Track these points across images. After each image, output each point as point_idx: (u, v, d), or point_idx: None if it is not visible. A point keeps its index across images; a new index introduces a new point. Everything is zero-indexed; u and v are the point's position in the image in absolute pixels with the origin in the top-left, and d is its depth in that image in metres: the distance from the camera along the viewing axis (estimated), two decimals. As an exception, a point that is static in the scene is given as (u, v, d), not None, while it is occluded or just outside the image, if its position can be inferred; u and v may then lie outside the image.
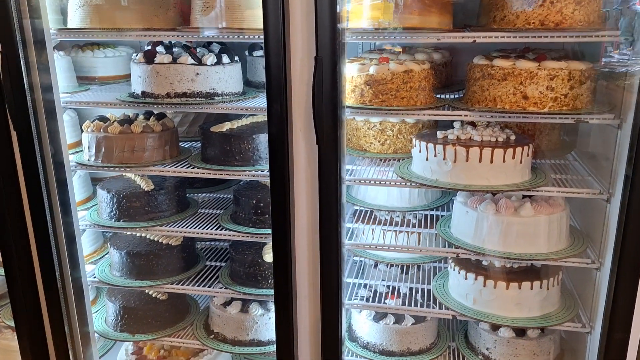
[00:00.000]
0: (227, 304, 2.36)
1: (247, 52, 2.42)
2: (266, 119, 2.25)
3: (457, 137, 1.87)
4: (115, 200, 2.20)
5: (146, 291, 2.40)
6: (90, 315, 2.34)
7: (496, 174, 1.79)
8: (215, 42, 2.33)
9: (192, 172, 2.10)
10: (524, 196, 1.96)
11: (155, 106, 2.06)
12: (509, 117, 1.76)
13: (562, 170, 2.02)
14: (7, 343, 2.56)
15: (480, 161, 1.77)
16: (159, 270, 2.30)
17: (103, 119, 2.19)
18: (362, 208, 2.38)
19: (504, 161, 1.77)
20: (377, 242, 2.16)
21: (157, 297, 2.38)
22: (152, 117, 2.23)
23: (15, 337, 2.33)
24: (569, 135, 2.26)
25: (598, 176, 1.90)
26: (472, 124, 1.95)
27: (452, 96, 2.09)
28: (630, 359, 1.78)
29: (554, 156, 2.14)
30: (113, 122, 2.15)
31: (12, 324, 2.32)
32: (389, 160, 2.15)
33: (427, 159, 1.88)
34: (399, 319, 2.23)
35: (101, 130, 2.12)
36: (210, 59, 2.00)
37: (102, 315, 2.49)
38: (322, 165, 1.77)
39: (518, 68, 1.70)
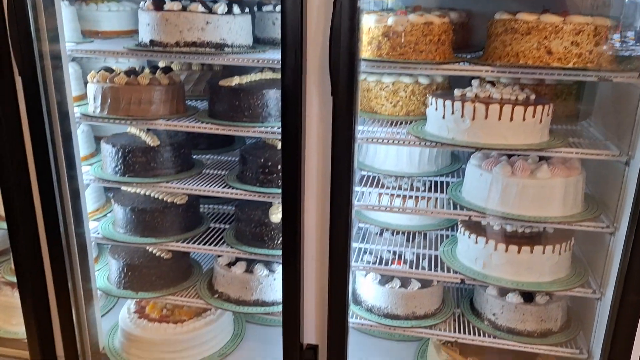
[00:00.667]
0: (231, 264, 2.33)
1: (256, 8, 2.35)
2: (275, 76, 2.24)
3: (476, 94, 1.82)
4: (120, 154, 2.15)
5: (150, 249, 2.37)
6: (94, 272, 2.31)
7: (515, 133, 1.75)
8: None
9: (199, 127, 2.05)
10: (540, 159, 1.92)
11: (164, 55, 2.00)
12: (531, 72, 1.70)
13: (578, 134, 1.98)
14: (6, 300, 2.53)
15: (499, 119, 1.72)
16: (163, 228, 2.26)
17: (109, 69, 2.13)
18: (369, 174, 2.33)
19: (523, 119, 1.72)
20: (386, 203, 2.11)
21: (161, 255, 2.35)
22: (158, 70, 2.17)
23: (15, 294, 2.31)
24: (585, 102, 2.22)
25: (616, 140, 1.86)
26: (491, 83, 1.89)
27: (469, 56, 2.03)
28: (643, 322, 1.77)
29: (570, 122, 2.10)
30: (119, 73, 2.09)
31: (12, 279, 2.29)
32: (401, 122, 2.10)
33: (443, 117, 1.83)
34: (404, 283, 2.21)
35: (107, 80, 2.06)
36: (221, 8, 1.93)
37: (104, 273, 2.46)
38: (336, 119, 1.72)
39: (543, 22, 1.64)
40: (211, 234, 2.35)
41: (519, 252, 1.93)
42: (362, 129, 2.04)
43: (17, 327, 2.42)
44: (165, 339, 2.31)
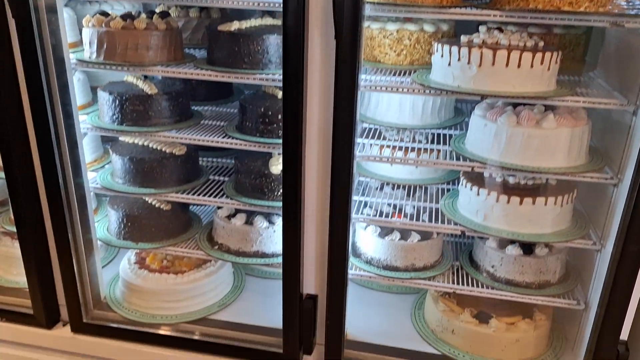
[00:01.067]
0: (231, 216, 2.32)
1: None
2: (275, 22, 2.18)
3: (483, 40, 1.77)
4: (117, 102, 2.11)
5: (149, 201, 2.36)
6: (93, 222, 2.31)
7: (522, 81, 1.71)
8: None
9: (197, 74, 2.00)
10: (546, 109, 1.89)
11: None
12: (542, 17, 1.65)
13: (585, 85, 1.94)
14: (6, 250, 2.54)
15: (507, 65, 1.68)
16: (162, 179, 2.24)
17: (104, 13, 2.07)
18: (370, 126, 2.30)
19: (531, 66, 1.68)
20: (389, 155, 2.09)
21: (160, 207, 2.34)
22: (155, 15, 2.11)
23: (15, 244, 2.31)
24: (593, 53, 2.17)
25: (624, 91, 1.82)
26: (499, 29, 1.84)
27: (478, 1, 1.97)
28: (642, 273, 1.78)
29: (577, 73, 2.06)
30: (115, 17, 2.03)
31: (12, 229, 2.28)
32: (405, 72, 2.05)
33: (449, 64, 1.79)
34: (404, 235, 2.21)
35: (103, 25, 2.00)
36: (220, -52, 1.86)
37: (104, 225, 2.45)
38: (339, 63, 1.67)
39: (555, -37, 1.58)
40: (210, 186, 2.33)
41: (520, 203, 1.92)
42: (365, 78, 2.00)
43: (18, 277, 2.43)
44: (165, 288, 2.32)
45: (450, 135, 2.21)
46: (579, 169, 1.83)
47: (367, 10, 1.73)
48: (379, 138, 2.25)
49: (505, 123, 1.82)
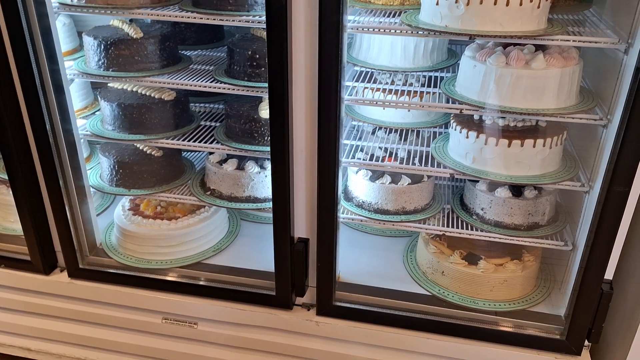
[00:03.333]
0: (223, 161, 2.33)
1: None
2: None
3: (471, -22, 1.71)
4: (102, 47, 2.08)
5: (140, 147, 2.36)
6: (85, 169, 2.32)
7: (511, 19, 1.66)
8: None
9: (182, 17, 1.96)
10: (537, 50, 1.85)
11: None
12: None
13: (579, 24, 1.89)
14: (2, 197, 2.56)
15: (495, 4, 1.63)
16: (152, 125, 2.23)
17: (84, -46, 2.00)
18: (362, 69, 2.27)
19: (520, 4, 1.63)
20: (378, 99, 2.07)
21: (152, 153, 2.34)
22: (138, -44, 2.04)
23: (10, 191, 2.33)
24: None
25: (617, 28, 1.78)
26: (489, -34, 1.78)
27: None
28: (627, 214, 1.79)
29: (572, 11, 2.00)
30: (95, -42, 1.97)
31: (6, 177, 2.29)
32: (395, 12, 2.00)
33: (437, 4, 1.74)
34: (395, 179, 2.22)
35: (83, -34, 1.95)
36: None
37: (96, 172, 2.47)
38: (323, 2, 1.63)
39: None
40: (201, 132, 2.33)
41: (509, 145, 1.91)
42: (355, 19, 1.95)
43: (15, 224, 2.46)
44: (159, 234, 2.36)
45: (443, 78, 2.18)
46: (568, 110, 1.81)
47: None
48: (371, 81, 2.22)
49: (494, 64, 1.79)
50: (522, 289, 2.23)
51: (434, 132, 2.33)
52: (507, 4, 1.64)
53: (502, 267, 2.19)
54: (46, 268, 2.35)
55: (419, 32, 1.79)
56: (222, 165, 2.31)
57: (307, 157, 1.98)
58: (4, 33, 1.91)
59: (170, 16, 1.96)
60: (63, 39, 2.24)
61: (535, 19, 1.70)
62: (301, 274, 2.16)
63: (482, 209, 2.17)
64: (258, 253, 2.46)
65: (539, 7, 1.68)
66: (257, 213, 2.65)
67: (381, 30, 1.84)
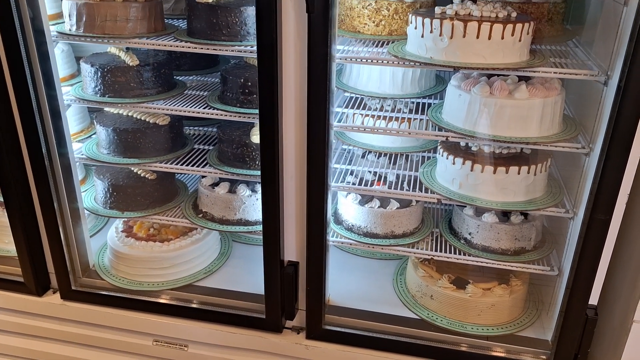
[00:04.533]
0: (215, 184, 2.37)
1: None
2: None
3: (456, 12, 1.78)
4: (99, 74, 2.13)
5: (134, 170, 2.40)
6: (79, 192, 2.35)
7: (493, 52, 1.72)
8: None
9: (177, 46, 2.02)
10: (520, 80, 1.91)
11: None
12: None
13: (562, 55, 1.95)
14: (-2, 219, 2.59)
15: (477, 37, 1.69)
16: (147, 149, 2.27)
17: (83, -15, 2.07)
18: (352, 95, 2.32)
19: (502, 38, 1.69)
20: (367, 125, 2.12)
21: (146, 176, 2.38)
22: (135, -14, 2.11)
23: (5, 213, 2.36)
24: (573, 22, 2.18)
25: (598, 60, 1.84)
26: (473, 0, 1.85)
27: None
28: (609, 241, 1.82)
29: (555, 42, 2.06)
30: (93, -12, 2.03)
31: (1, 199, 2.32)
32: (384, 42, 2.07)
33: (422, 36, 1.80)
34: (384, 203, 2.26)
35: (81, -4, 2.01)
36: None
37: (91, 195, 2.50)
38: (312, 37, 1.69)
39: None
40: (195, 155, 2.37)
41: (494, 172, 1.96)
42: (344, 49, 2.01)
43: (10, 245, 2.47)
44: (151, 256, 2.38)
45: (431, 104, 2.23)
46: (551, 139, 1.86)
47: (339, -18, 1.74)
48: (361, 107, 2.28)
49: (479, 93, 1.84)
50: (510, 313, 2.25)
51: (423, 156, 2.38)
52: (489, 38, 1.69)
53: (490, 291, 2.22)
54: (39, 289, 2.37)
55: (405, 63, 1.84)
56: (214, 188, 2.35)
57: (297, 182, 2.02)
58: (3, 61, 1.96)
59: (165, 45, 2.01)
60: (61, 65, 2.30)
61: (517, 51, 1.76)
62: (291, 297, 2.18)
63: (469, 234, 2.20)
64: (249, 275, 2.49)
65: (520, 40, 1.73)
66: (248, 235, 2.68)
67: (369, 60, 1.90)
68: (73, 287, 2.36)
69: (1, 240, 2.60)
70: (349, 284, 2.46)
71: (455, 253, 2.20)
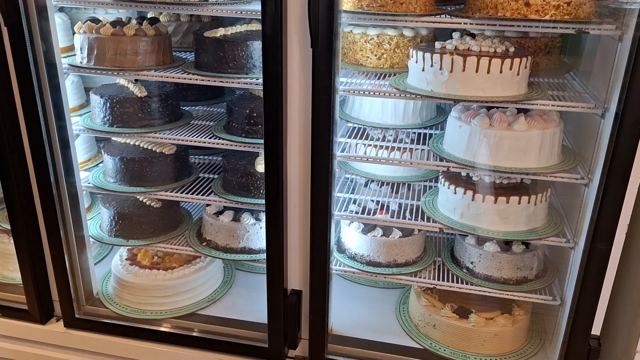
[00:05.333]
0: (219, 213, 2.40)
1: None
2: (261, 28, 2.24)
3: (455, 47, 1.84)
4: (108, 105, 2.19)
5: (140, 198, 2.43)
6: (85, 220, 2.38)
7: (492, 86, 1.77)
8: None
9: (184, 78, 2.07)
10: (519, 112, 1.95)
11: (148, 6, 2.00)
12: (509, 24, 1.71)
13: (560, 88, 2.00)
14: (3, 247, 2.61)
15: (476, 71, 1.75)
16: (153, 177, 2.31)
17: (95, 20, 2.14)
18: (355, 125, 2.37)
19: (500, 72, 1.75)
20: (369, 155, 2.16)
21: (151, 204, 2.42)
22: (144, 21, 2.18)
23: (12, 241, 2.38)
24: (570, 55, 2.24)
25: (594, 93, 1.88)
26: (472, 35, 1.91)
27: (452, 8, 2.03)
28: (610, 270, 1.84)
29: (553, 75, 2.12)
30: (105, 23, 2.10)
31: (8, 227, 2.35)
32: (385, 75, 2.12)
33: (423, 70, 1.85)
34: (386, 232, 2.28)
35: (93, 31, 2.07)
36: (205, -42, 1.92)
37: (96, 222, 2.53)
38: (316, 70, 1.74)
39: (522, -27, 1.65)
40: (200, 184, 2.41)
41: (495, 202, 1.99)
42: (347, 81, 2.07)
43: (15, 273, 2.50)
44: (155, 284, 2.40)
45: (432, 135, 2.28)
46: (550, 169, 1.90)
47: (344, 18, 1.80)
48: (364, 137, 2.32)
49: (479, 125, 1.89)
50: (513, 343, 2.25)
51: (425, 186, 2.41)
52: (488, 72, 1.75)
53: (492, 321, 2.22)
54: (43, 317, 2.38)
55: (407, 96, 1.89)
56: (218, 216, 2.38)
57: (301, 210, 2.05)
58: (16, 93, 2.01)
59: (173, 78, 2.07)
60: (71, 95, 2.36)
61: (516, 84, 1.81)
62: (294, 326, 2.19)
63: (471, 263, 2.22)
64: (252, 304, 2.49)
65: (518, 74, 1.79)
66: (252, 263, 2.69)
67: (371, 92, 1.95)
68: (77, 315, 2.37)
69: (6, 268, 2.63)
70: (351, 312, 2.46)
71: (457, 282, 2.22)
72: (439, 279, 2.24)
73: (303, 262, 2.13)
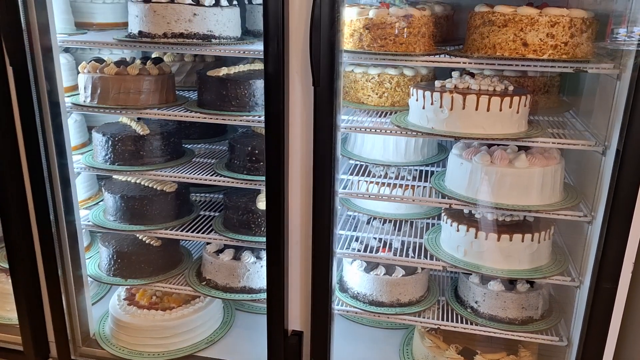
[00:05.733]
0: (219, 251, 2.38)
1: (247, 0, 2.38)
2: (263, 67, 2.28)
3: (455, 85, 1.86)
4: (110, 143, 2.20)
5: (139, 237, 2.41)
6: (84, 259, 2.36)
7: (492, 123, 1.78)
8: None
9: (187, 116, 2.09)
10: (520, 149, 1.96)
11: (152, 46, 2.03)
12: (508, 63, 1.74)
13: (560, 126, 2.02)
14: (1, 286, 2.58)
15: (476, 109, 1.76)
16: (153, 215, 2.30)
17: (99, 60, 2.17)
18: (357, 162, 2.37)
19: (500, 110, 1.76)
20: (371, 192, 2.16)
21: (150, 243, 2.40)
22: (149, 61, 2.21)
23: (9, 280, 2.35)
24: (569, 93, 2.26)
25: (595, 130, 1.89)
26: (471, 74, 1.93)
27: (451, 48, 2.07)
28: (617, 310, 1.80)
29: (552, 114, 2.13)
30: (109, 63, 2.13)
31: (6, 266, 2.33)
32: (386, 113, 2.14)
33: (423, 108, 1.87)
34: (389, 270, 2.25)
35: (97, 71, 2.10)
36: (209, 0, 1.97)
37: (95, 261, 2.51)
38: (317, 108, 1.76)
39: (519, 14, 1.68)
40: (200, 222, 2.39)
41: (498, 240, 1.97)
42: (349, 119, 2.08)
43: (11, 313, 2.46)
44: (153, 325, 2.35)
45: (433, 172, 2.28)
46: (553, 207, 1.89)
47: (345, 57, 1.83)
48: (366, 174, 2.32)
49: (480, 162, 1.89)
50: (519, 386, 2.19)
51: (427, 223, 2.39)
52: (488, 110, 1.76)
53: (498, 362, 2.17)
54: (38, 359, 2.32)
55: (408, 133, 1.90)
56: (218, 255, 2.35)
57: (302, 248, 2.03)
58: (19, 130, 2.03)
59: (176, 116, 2.09)
60: (73, 134, 2.37)
61: (515, 122, 1.82)
62: (295, 368, 2.13)
63: (476, 302, 2.18)
64: (252, 345, 2.44)
65: (518, 112, 1.80)
66: (252, 303, 2.65)
67: (373, 130, 1.96)
68: (72, 357, 2.32)
69: (3, 308, 2.58)
70: (354, 354, 2.41)
71: (462, 322, 2.17)
72: (443, 319, 2.20)
73: (304, 302, 2.09)
